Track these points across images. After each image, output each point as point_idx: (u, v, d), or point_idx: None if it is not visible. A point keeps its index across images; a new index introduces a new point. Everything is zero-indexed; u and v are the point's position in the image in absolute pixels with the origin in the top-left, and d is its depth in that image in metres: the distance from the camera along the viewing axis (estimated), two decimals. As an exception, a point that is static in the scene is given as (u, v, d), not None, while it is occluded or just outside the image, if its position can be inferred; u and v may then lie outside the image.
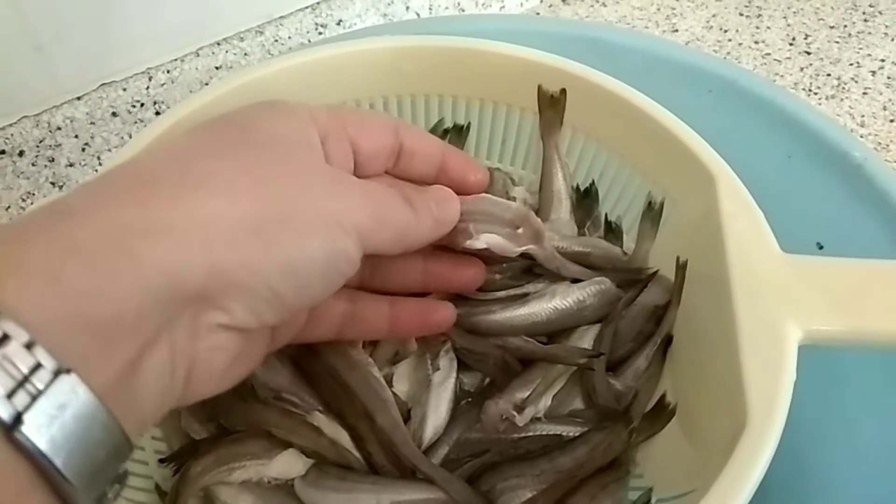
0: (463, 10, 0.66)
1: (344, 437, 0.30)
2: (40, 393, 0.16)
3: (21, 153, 0.50)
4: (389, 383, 0.32)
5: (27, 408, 0.16)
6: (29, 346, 0.16)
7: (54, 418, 0.16)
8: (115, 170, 0.21)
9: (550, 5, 0.71)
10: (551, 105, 0.37)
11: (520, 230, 0.31)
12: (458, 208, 0.29)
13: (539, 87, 0.37)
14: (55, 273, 0.17)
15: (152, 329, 0.19)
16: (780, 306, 0.26)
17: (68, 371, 0.16)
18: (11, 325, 0.16)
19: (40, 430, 0.16)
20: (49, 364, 0.16)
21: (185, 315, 0.20)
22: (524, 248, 0.31)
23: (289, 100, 0.26)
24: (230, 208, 0.21)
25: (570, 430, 0.32)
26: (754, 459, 0.23)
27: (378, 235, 0.25)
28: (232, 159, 0.22)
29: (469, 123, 0.40)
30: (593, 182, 0.39)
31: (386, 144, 0.29)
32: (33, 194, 0.50)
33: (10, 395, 0.15)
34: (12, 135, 0.49)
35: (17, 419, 0.15)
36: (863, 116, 0.60)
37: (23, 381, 0.16)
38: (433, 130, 0.40)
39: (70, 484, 0.16)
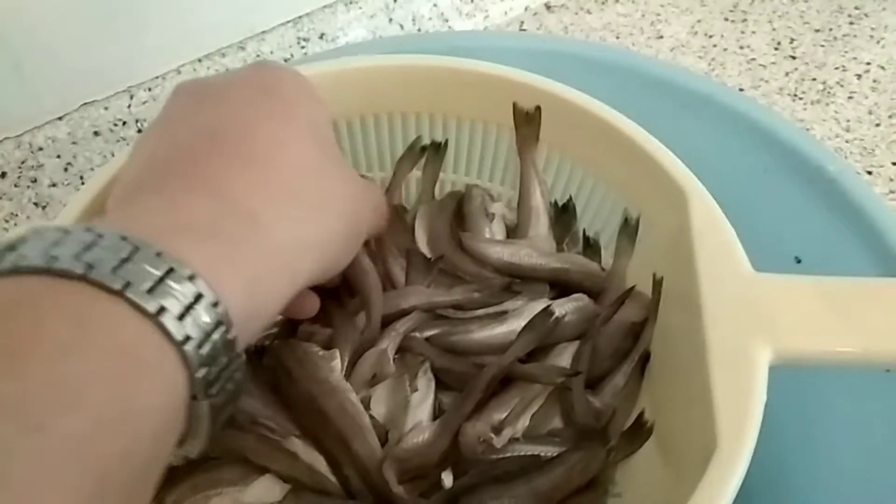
0: (447, 20, 0.66)
1: (321, 463, 0.30)
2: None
3: (3, 174, 0.50)
4: (367, 406, 0.32)
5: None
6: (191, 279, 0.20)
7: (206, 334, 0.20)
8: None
9: (535, 13, 0.71)
10: (527, 122, 0.37)
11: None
12: None
13: (514, 105, 0.37)
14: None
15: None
16: (749, 327, 0.26)
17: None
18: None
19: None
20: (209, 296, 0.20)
21: None
22: None
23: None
24: None
25: (547, 451, 0.32)
26: (722, 487, 0.23)
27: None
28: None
29: (447, 140, 0.40)
30: (571, 198, 0.39)
31: None
32: (16, 215, 0.50)
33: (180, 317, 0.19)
34: (-6, 156, 0.49)
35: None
36: (848, 121, 0.60)
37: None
38: (411, 148, 0.40)
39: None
